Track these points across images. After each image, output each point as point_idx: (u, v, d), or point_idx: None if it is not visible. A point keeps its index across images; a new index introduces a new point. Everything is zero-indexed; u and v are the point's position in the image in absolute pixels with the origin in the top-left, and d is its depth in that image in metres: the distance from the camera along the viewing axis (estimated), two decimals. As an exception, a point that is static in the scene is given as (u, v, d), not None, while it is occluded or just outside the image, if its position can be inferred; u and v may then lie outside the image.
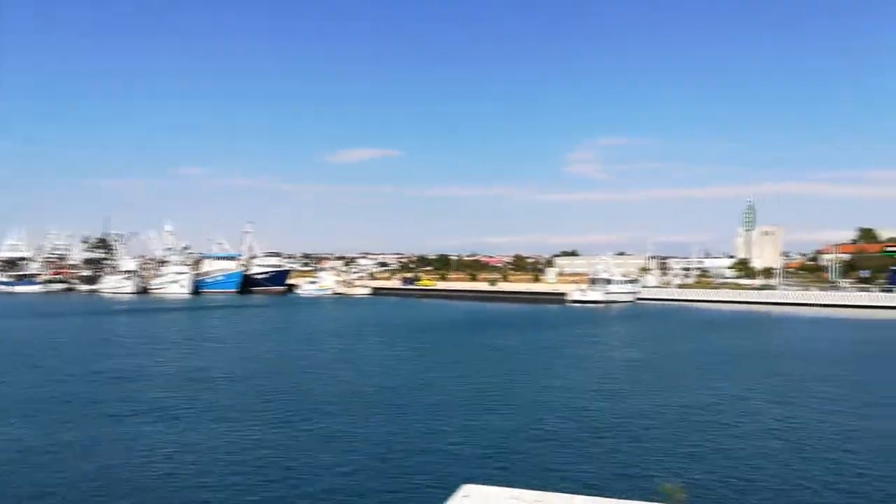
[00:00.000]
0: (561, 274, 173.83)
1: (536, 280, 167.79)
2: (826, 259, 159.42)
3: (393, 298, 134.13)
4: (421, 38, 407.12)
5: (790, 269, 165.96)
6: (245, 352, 49.25)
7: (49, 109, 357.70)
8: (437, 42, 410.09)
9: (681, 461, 21.65)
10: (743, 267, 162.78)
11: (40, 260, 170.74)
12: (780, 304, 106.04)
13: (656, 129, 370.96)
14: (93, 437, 24.49)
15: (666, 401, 31.30)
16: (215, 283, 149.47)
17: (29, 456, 22.01)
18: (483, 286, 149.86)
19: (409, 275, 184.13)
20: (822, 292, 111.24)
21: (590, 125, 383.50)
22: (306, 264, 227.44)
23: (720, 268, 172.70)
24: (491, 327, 69.94)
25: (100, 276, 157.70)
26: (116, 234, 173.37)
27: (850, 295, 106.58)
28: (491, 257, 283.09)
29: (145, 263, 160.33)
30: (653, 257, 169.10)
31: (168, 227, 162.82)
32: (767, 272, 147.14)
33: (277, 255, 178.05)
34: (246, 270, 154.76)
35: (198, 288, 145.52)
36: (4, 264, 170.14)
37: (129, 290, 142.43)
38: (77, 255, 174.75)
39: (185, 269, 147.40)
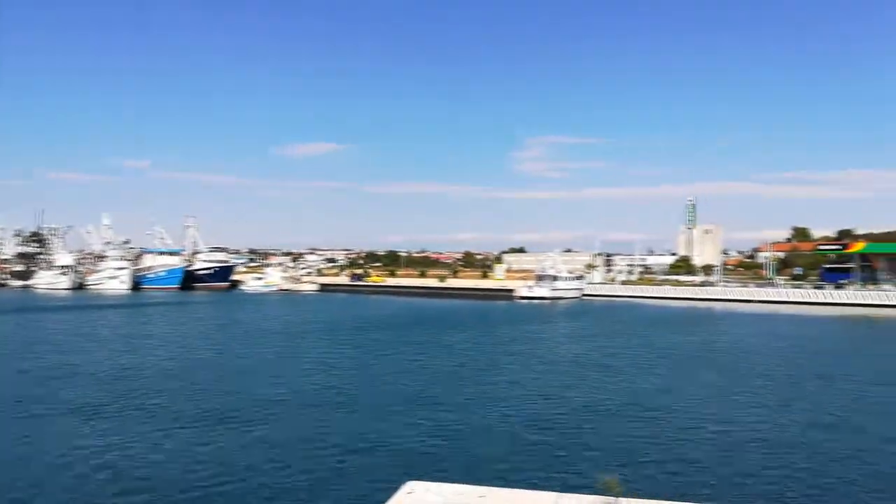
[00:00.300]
0: (509, 270, 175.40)
1: (485, 277, 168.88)
2: (763, 257, 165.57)
3: (341, 295, 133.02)
4: (375, 34, 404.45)
5: (729, 266, 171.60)
6: (183, 350, 47.94)
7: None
8: (391, 38, 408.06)
9: (619, 454, 22.10)
10: (684, 264, 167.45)
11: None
12: (720, 300, 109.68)
13: (605, 128, 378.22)
14: (11, 437, 23.50)
15: (608, 395, 31.95)
16: (156, 279, 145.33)
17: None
18: (432, 283, 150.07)
19: (357, 271, 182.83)
20: (758, 289, 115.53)
21: (540, 124, 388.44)
22: (252, 260, 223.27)
23: (663, 265, 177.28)
24: (438, 324, 70.09)
25: (34, 271, 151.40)
26: (51, 228, 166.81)
27: (785, 291, 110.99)
28: (440, 254, 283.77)
29: (83, 258, 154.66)
30: (599, 254, 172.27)
31: (106, 221, 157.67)
32: (708, 269, 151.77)
33: (222, 250, 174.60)
34: (189, 266, 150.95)
35: (138, 284, 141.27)
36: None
37: (64, 285, 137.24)
38: (9, 249, 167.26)
39: (125, 264, 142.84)
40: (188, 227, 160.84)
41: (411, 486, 14.47)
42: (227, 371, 38.43)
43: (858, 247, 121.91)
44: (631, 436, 24.42)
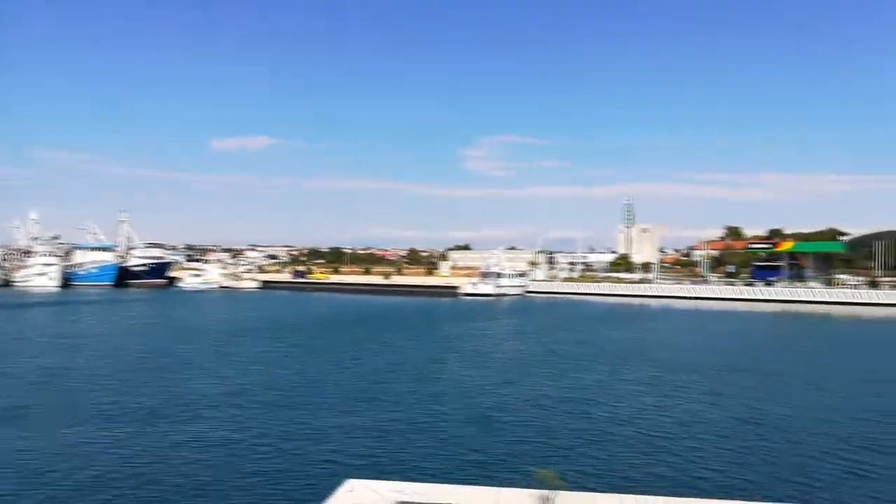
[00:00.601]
0: (454, 268, 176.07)
1: (430, 274, 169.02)
2: (697, 255, 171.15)
3: (283, 292, 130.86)
4: (321, 27, 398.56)
5: (666, 264, 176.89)
6: (112, 350, 46.09)
7: None
8: (338, 32, 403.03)
9: (556, 447, 22.51)
10: (624, 262, 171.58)
11: None
12: (657, 297, 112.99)
13: (550, 129, 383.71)
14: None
15: (547, 391, 32.47)
16: (88, 276, 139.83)
17: None
18: (377, 279, 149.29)
19: (300, 268, 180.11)
20: (693, 286, 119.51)
21: (486, 123, 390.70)
22: (190, 256, 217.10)
23: (603, 263, 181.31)
24: (382, 321, 69.80)
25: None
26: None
27: (718, 288, 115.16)
28: (385, 251, 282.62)
29: (8, 254, 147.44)
30: (541, 252, 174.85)
31: (33, 216, 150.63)
32: (646, 267, 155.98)
33: (159, 246, 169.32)
34: (123, 262, 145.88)
35: (68, 281, 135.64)
36: None
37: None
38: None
39: (54, 260, 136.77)
40: (122, 222, 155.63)
41: (351, 484, 14.39)
42: (159, 371, 37.22)
43: (787, 246, 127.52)
44: (568, 430, 24.89)
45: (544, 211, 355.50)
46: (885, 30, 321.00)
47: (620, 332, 61.10)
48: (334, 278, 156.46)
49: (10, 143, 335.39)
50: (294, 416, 26.71)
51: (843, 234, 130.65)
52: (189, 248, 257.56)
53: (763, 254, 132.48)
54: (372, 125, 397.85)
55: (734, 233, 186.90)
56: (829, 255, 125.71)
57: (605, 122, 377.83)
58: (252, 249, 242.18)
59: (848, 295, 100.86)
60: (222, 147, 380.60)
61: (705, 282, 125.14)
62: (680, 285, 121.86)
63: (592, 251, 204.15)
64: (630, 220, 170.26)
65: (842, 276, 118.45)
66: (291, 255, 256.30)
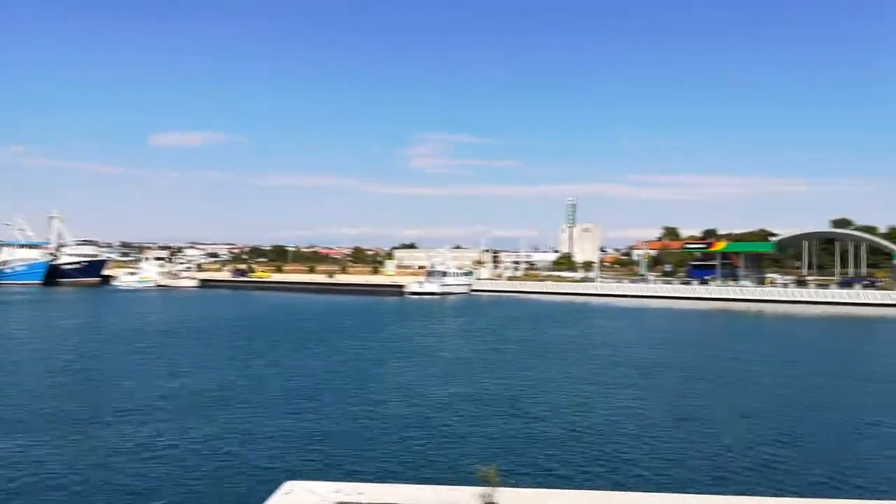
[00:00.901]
0: (400, 266, 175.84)
1: (376, 272, 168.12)
2: (637, 254, 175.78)
3: (224, 291, 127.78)
4: (266, 22, 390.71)
5: (606, 263, 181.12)
6: (36, 352, 43.97)
7: None
8: (284, 27, 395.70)
9: (499, 445, 22.65)
10: (566, 261, 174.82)
11: None
12: (598, 295, 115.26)
13: (495, 128, 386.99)
14: None
15: (488, 389, 32.69)
16: (15, 275, 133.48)
17: None
18: (321, 278, 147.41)
19: (241, 266, 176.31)
20: (632, 284, 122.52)
21: (432, 121, 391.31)
22: (126, 254, 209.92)
23: (546, 261, 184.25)
24: (324, 320, 68.98)
25: None
26: None
27: (656, 287, 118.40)
28: (330, 249, 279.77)
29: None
30: (486, 251, 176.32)
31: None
32: (587, 265, 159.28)
33: (92, 243, 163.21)
34: (54, 260, 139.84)
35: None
36: None
37: None
38: None
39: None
40: (53, 218, 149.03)
41: (289, 486, 14.09)
42: (87, 375, 35.67)
43: (720, 246, 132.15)
44: (511, 427, 25.09)
45: (489, 210, 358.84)
46: (811, 32, 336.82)
47: (563, 329, 62.11)
48: (277, 277, 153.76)
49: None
50: (230, 419, 25.99)
51: (772, 234, 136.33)
52: (125, 245, 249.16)
53: (698, 253, 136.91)
54: (314, 121, 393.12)
55: (671, 233, 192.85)
56: (760, 255, 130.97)
57: (549, 121, 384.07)
58: (191, 247, 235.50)
59: (778, 293, 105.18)
60: (161, 142, 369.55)
61: (644, 280, 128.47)
62: (620, 284, 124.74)
63: (536, 250, 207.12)
64: (573, 220, 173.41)
65: (772, 275, 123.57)
66: (233, 252, 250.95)
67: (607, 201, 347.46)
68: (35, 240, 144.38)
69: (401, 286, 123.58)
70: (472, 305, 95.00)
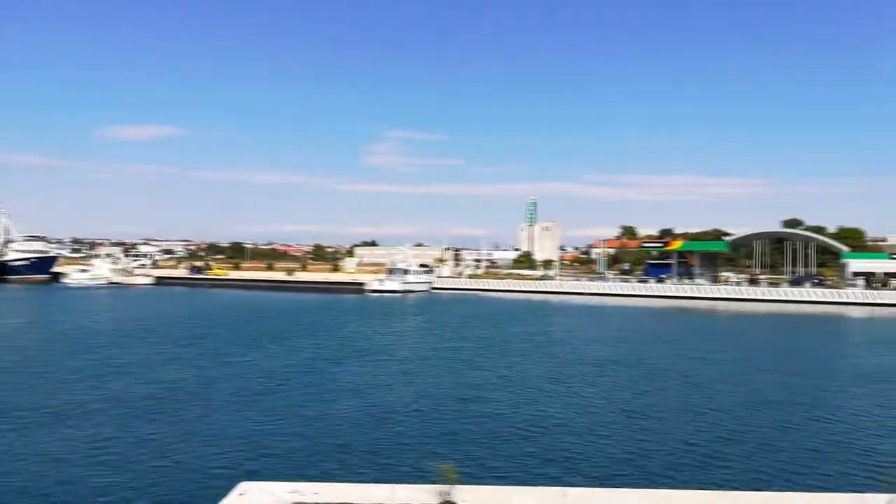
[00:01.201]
0: (361, 264, 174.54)
1: (336, 270, 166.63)
2: (595, 253, 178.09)
3: (179, 289, 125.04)
4: (217, 14, 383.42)
5: (566, 262, 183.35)
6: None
7: None
8: (234, 20, 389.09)
9: (455, 442, 22.72)
10: (526, 259, 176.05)
11: None
12: (557, 293, 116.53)
13: (456, 126, 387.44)
14: None
15: (449, 386, 32.77)
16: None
17: None
18: (280, 276, 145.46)
19: (197, 263, 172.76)
20: (591, 282, 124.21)
21: (393, 118, 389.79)
22: (77, 250, 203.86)
23: (507, 260, 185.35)
24: (282, 319, 68.11)
25: None
26: None
27: (614, 285, 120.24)
28: (289, 246, 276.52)
29: None
30: (448, 249, 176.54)
31: None
32: (547, 264, 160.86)
33: (41, 239, 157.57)
34: (0, 257, 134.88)
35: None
36: None
37: None
38: None
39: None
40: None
41: (244, 486, 13.89)
42: (29, 376, 34.38)
43: (677, 245, 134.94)
44: (469, 424, 25.17)
45: (451, 208, 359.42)
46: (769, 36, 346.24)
47: (522, 327, 62.58)
48: (234, 274, 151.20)
49: None
50: (181, 420, 25.41)
51: (726, 234, 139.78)
52: (76, 241, 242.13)
53: (655, 252, 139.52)
54: (273, 116, 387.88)
55: (629, 232, 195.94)
56: (715, 254, 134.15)
57: (510, 120, 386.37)
58: (146, 244, 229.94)
59: (731, 291, 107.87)
60: (111, 135, 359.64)
61: (602, 278, 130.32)
62: (579, 282, 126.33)
63: (497, 248, 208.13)
64: (532, 218, 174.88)
65: (726, 274, 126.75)
66: (189, 249, 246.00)
67: (568, 200, 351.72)
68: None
69: (361, 284, 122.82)
70: (432, 303, 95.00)
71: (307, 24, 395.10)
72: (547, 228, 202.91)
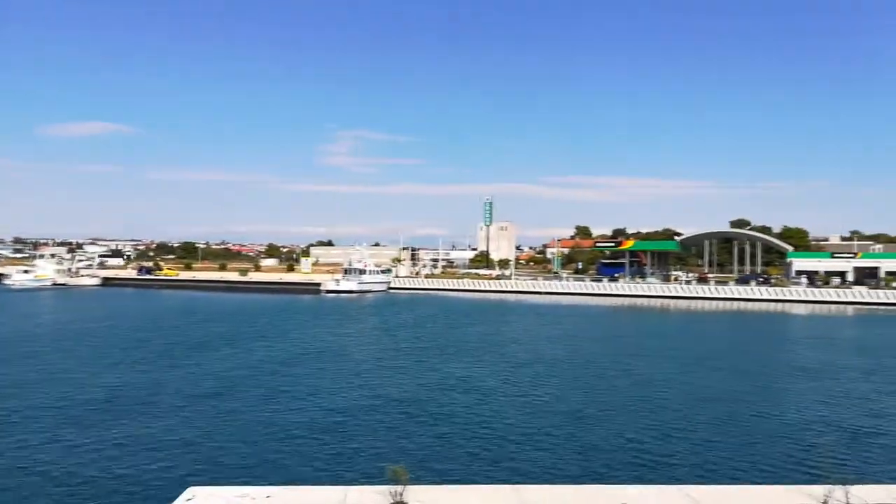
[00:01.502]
0: (316, 264, 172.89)
1: (291, 270, 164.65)
2: (550, 252, 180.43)
3: (128, 290, 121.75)
4: (171, 9, 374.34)
5: (522, 261, 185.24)
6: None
7: None
8: (185, 16, 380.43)
9: (407, 443, 22.69)
10: (483, 259, 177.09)
11: None
12: (514, 292, 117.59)
13: (412, 126, 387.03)
14: None
15: (401, 387, 32.71)
16: None
17: None
18: (233, 276, 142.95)
19: (147, 264, 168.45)
20: (546, 281, 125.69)
21: (350, 118, 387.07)
22: (19, 250, 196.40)
23: (464, 259, 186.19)
24: (235, 320, 66.97)
25: None
26: None
27: (569, 284, 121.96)
28: (243, 246, 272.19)
29: None
30: (405, 249, 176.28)
31: None
32: (503, 263, 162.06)
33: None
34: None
35: None
36: None
37: None
38: None
39: None
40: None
41: (192, 491, 13.62)
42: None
43: (629, 244, 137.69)
44: (421, 426, 25.16)
45: (407, 208, 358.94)
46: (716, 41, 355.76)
47: (477, 327, 62.92)
48: (186, 275, 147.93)
49: None
50: (126, 426, 24.57)
51: (677, 234, 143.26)
52: (18, 241, 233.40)
53: (608, 252, 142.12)
54: (226, 115, 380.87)
55: (583, 232, 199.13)
56: (666, 253, 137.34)
57: (466, 120, 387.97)
58: (92, 243, 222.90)
59: (681, 290, 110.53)
60: (55, 133, 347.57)
61: (557, 278, 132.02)
62: (534, 281, 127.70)
63: (454, 248, 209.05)
64: (489, 218, 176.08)
65: (676, 273, 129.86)
66: (138, 249, 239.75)
67: (523, 201, 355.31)
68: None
69: (317, 284, 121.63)
70: (389, 304, 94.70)
71: (260, 23, 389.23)
72: (503, 228, 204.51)
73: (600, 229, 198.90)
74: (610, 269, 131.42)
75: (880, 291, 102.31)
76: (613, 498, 12.99)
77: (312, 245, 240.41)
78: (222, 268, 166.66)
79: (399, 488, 13.07)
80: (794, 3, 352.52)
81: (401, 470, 13.33)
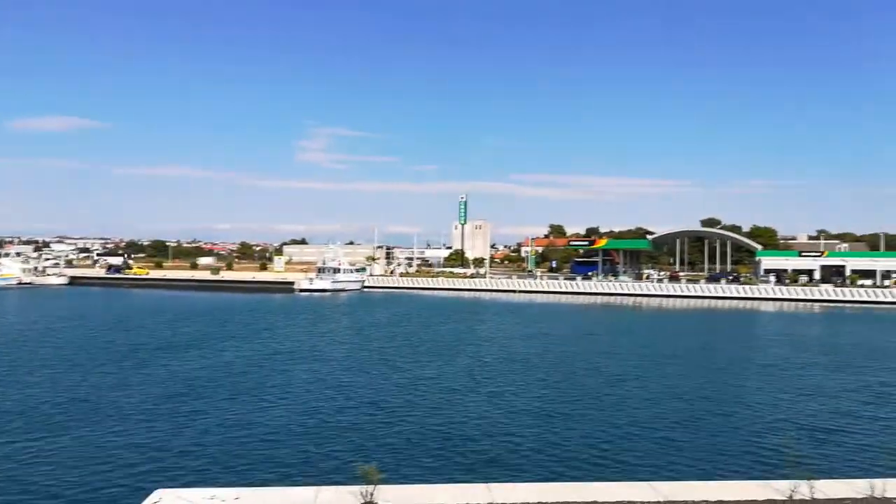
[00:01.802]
0: (290, 263, 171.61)
1: (264, 268, 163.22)
2: (525, 251, 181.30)
3: (97, 289, 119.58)
4: (144, 6, 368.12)
5: (497, 259, 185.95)
6: None
7: None
8: (167, 14, 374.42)
9: (378, 443, 22.62)
10: (458, 257, 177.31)
11: None
12: (488, 290, 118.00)
13: (387, 123, 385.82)
14: None
15: (374, 386, 32.64)
16: None
17: None
18: (205, 275, 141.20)
19: (115, 262, 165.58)
20: (520, 280, 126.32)
21: (324, 115, 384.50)
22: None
23: (439, 257, 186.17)
24: (205, 320, 66.15)
25: None
26: None
27: (543, 282, 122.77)
28: (215, 244, 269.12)
29: None
30: (379, 247, 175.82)
31: None
32: (478, 262, 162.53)
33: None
34: None
35: None
36: None
37: None
38: None
39: None
40: None
41: (159, 493, 13.40)
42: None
43: (602, 243, 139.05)
44: (392, 425, 25.11)
45: (382, 206, 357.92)
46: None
47: (452, 325, 62.99)
48: (156, 274, 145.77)
49: None
50: (90, 429, 23.99)
51: (649, 232, 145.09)
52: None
53: (582, 250, 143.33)
54: (197, 112, 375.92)
55: (557, 231, 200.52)
56: (638, 252, 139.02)
57: (440, 118, 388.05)
58: (60, 242, 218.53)
59: (653, 288, 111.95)
60: (19, 127, 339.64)
61: (531, 276, 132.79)
62: (509, 279, 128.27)
63: (429, 246, 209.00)
64: (464, 216, 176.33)
65: (648, 271, 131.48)
66: (107, 248, 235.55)
67: (499, 199, 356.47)
68: None
69: (291, 283, 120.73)
70: (364, 303, 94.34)
71: (236, 21, 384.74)
72: (478, 227, 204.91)
73: (574, 228, 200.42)
74: (583, 268, 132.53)
75: (846, 289, 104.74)
76: (582, 493, 13.10)
77: (286, 244, 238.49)
78: (193, 266, 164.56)
79: (370, 488, 13.01)
80: (757, 4, 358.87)
81: (372, 469, 13.26)
